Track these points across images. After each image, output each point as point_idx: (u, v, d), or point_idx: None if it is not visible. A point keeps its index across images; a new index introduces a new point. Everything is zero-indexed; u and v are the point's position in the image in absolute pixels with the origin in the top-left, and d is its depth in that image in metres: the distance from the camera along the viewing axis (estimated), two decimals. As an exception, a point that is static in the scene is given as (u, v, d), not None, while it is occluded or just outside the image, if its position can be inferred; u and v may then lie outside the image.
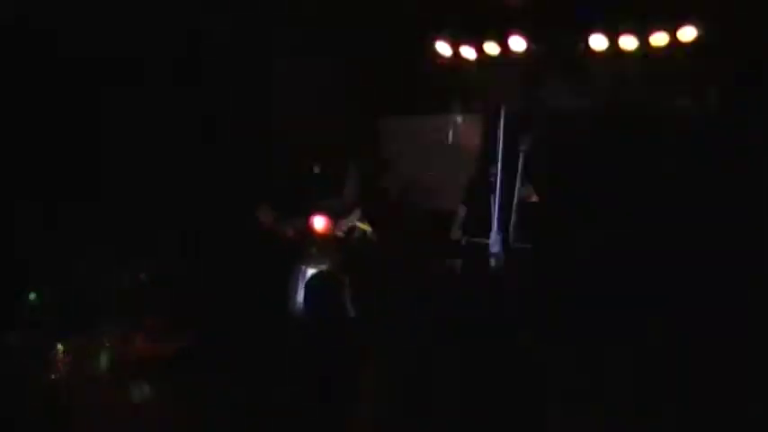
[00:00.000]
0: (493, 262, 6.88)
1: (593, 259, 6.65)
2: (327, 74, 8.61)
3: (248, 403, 5.49)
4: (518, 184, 7.09)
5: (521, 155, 7.14)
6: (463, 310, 6.37)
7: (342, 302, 6.64)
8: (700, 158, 7.20)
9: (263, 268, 6.89)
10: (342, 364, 5.92)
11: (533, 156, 7.16)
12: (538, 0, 8.04)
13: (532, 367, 5.62)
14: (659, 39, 7.76)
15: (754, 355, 5.40)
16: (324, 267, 6.90)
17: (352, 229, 7.25)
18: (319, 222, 7.14)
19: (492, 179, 7.20)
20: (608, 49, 7.98)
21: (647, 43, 7.82)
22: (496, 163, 7.13)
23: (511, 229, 7.06)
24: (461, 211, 7.50)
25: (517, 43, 8.28)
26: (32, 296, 5.85)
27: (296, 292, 6.83)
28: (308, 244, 7.12)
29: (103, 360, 5.88)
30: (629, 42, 7.87)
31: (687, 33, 7.62)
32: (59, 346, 5.72)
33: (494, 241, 6.97)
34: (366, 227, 7.28)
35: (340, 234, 7.22)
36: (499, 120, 7.21)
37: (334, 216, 7.21)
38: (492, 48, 8.45)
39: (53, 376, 5.65)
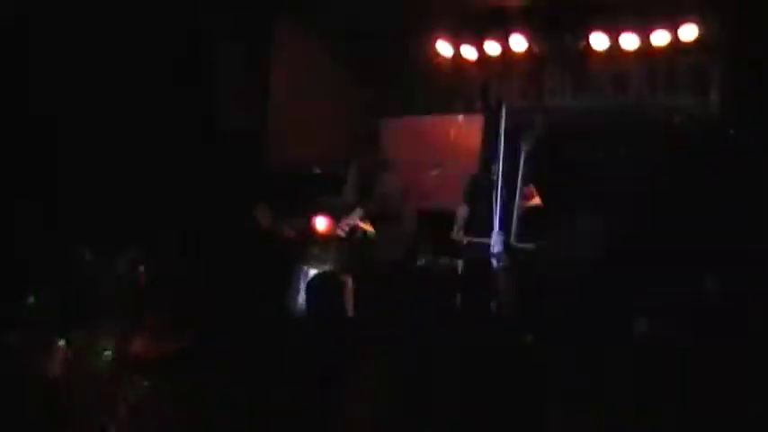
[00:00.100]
0: (494, 262, 6.86)
1: (593, 259, 6.64)
2: (330, 73, 8.62)
3: (248, 403, 5.49)
4: (519, 184, 7.08)
5: (522, 154, 7.13)
6: (464, 310, 6.37)
7: (343, 303, 6.65)
8: (700, 157, 7.19)
9: (263, 268, 6.89)
10: (342, 365, 5.91)
11: (535, 155, 7.15)
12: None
13: (532, 367, 5.61)
14: (660, 37, 7.77)
15: (754, 355, 5.40)
16: (325, 268, 6.90)
17: (354, 229, 7.23)
18: (321, 223, 7.13)
19: (493, 179, 7.18)
20: (609, 47, 7.99)
21: (648, 42, 7.82)
22: (497, 163, 7.12)
23: (513, 229, 7.04)
24: (462, 212, 7.48)
25: (518, 42, 8.30)
26: (31, 298, 5.85)
27: (297, 293, 6.83)
28: (310, 244, 7.11)
29: (103, 360, 5.87)
30: (629, 41, 7.87)
31: (688, 32, 7.62)
32: (59, 346, 5.72)
33: (495, 241, 6.95)
34: (367, 227, 7.27)
35: (341, 234, 7.21)
36: (500, 119, 7.19)
37: (336, 216, 7.20)
38: (493, 47, 8.47)
39: (53, 376, 5.64)
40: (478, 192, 7.39)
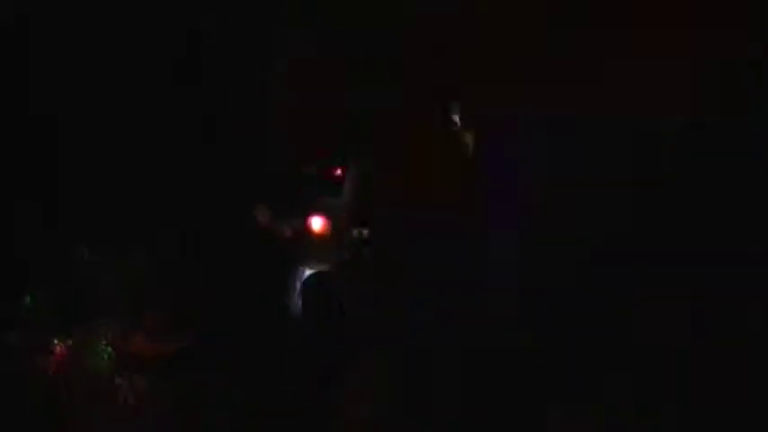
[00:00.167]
0: (493, 261, 6.88)
1: (592, 259, 6.65)
2: (327, 73, 8.61)
3: (248, 403, 5.50)
4: (518, 184, 7.09)
5: (520, 154, 7.14)
6: (462, 309, 6.37)
7: (340, 303, 6.65)
8: (699, 157, 7.20)
9: (261, 268, 6.88)
10: (341, 365, 5.93)
11: (533, 155, 7.16)
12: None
13: (532, 367, 5.63)
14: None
15: (754, 355, 5.42)
16: (321, 267, 6.90)
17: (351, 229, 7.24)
18: (317, 222, 7.13)
19: (491, 179, 7.20)
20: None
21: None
22: (496, 162, 7.13)
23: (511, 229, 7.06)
24: (460, 211, 7.48)
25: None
26: (29, 299, 5.85)
27: (294, 292, 6.84)
28: (306, 244, 7.11)
29: (103, 359, 5.88)
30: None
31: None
32: (59, 346, 5.72)
33: (493, 241, 6.97)
34: (365, 227, 7.28)
35: (338, 234, 7.21)
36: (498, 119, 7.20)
37: (334, 216, 7.20)
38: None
39: (53, 376, 5.64)
40: (477, 191, 7.40)
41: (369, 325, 6.49)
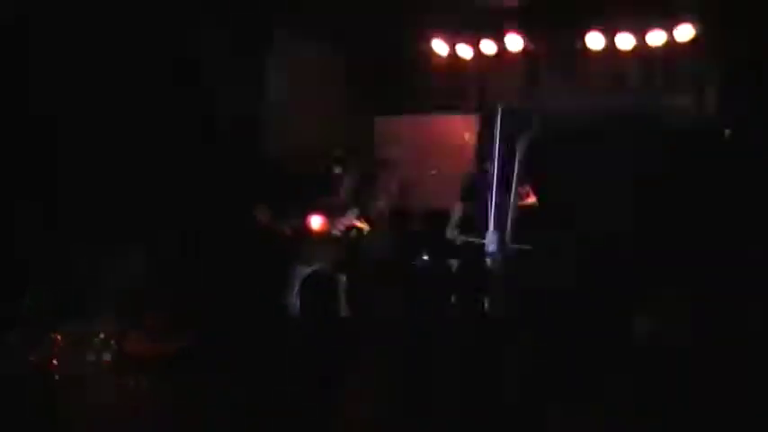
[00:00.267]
0: (489, 261, 6.87)
1: (590, 259, 6.67)
2: (327, 73, 8.62)
3: (248, 403, 5.49)
4: (515, 184, 7.08)
5: (517, 154, 7.13)
6: (461, 309, 6.38)
7: (338, 302, 6.66)
8: (697, 157, 7.23)
9: (260, 267, 6.89)
10: (340, 364, 5.93)
11: (530, 155, 7.15)
12: (534, -1, 8.09)
13: (532, 367, 5.63)
14: (656, 37, 7.79)
15: (754, 355, 5.43)
16: (320, 266, 6.90)
17: (350, 228, 7.23)
18: (316, 221, 7.12)
19: (489, 178, 7.19)
20: (605, 47, 8.01)
21: (645, 42, 7.85)
22: (493, 162, 7.12)
23: (508, 228, 7.05)
24: (457, 210, 7.48)
25: (514, 42, 8.31)
26: (30, 299, 5.84)
27: (292, 292, 6.84)
28: (305, 243, 7.11)
29: (103, 359, 5.88)
30: (626, 41, 7.90)
31: (684, 32, 7.65)
32: (59, 346, 5.72)
33: (490, 241, 6.95)
34: (363, 226, 7.28)
35: (337, 233, 7.20)
36: (496, 118, 7.19)
37: (332, 215, 7.20)
38: (488, 46, 8.48)
39: (53, 376, 5.64)
40: (474, 191, 7.40)
41: (369, 325, 6.50)
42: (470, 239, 7.16)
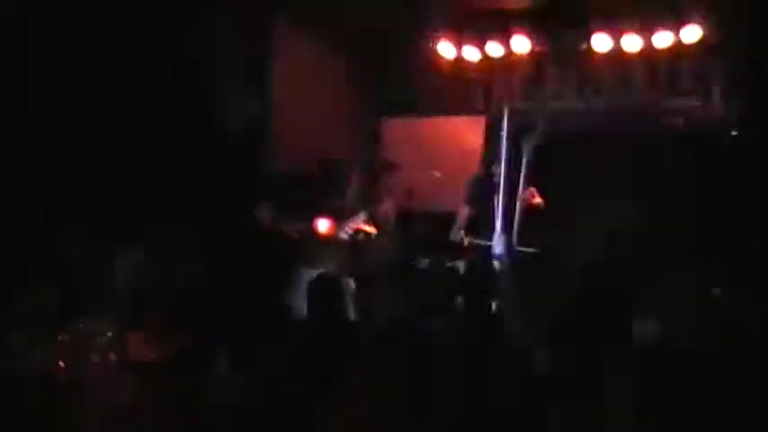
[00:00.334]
0: (496, 263, 6.86)
1: (595, 260, 6.63)
2: (332, 74, 8.62)
3: (248, 403, 5.48)
4: (521, 186, 7.08)
5: (524, 156, 7.13)
6: (464, 310, 6.35)
7: (344, 305, 6.64)
8: (703, 159, 7.19)
9: (265, 269, 6.88)
10: (345, 367, 5.91)
11: (537, 156, 7.15)
12: (540, 1, 8.06)
13: (532, 367, 5.59)
14: (663, 39, 7.76)
15: (754, 355, 5.37)
16: (327, 270, 6.89)
17: (356, 231, 7.23)
18: (323, 224, 7.12)
19: (495, 180, 7.19)
20: (611, 49, 7.98)
21: (651, 44, 7.82)
22: (499, 164, 7.12)
23: (514, 230, 7.05)
24: (463, 212, 7.48)
25: (520, 44, 8.30)
26: (31, 298, 5.85)
27: (298, 295, 6.83)
28: (312, 246, 7.11)
29: (103, 360, 5.87)
30: (632, 43, 7.86)
31: (691, 33, 7.61)
32: (59, 346, 5.72)
33: (497, 243, 6.95)
34: (370, 229, 7.27)
35: (344, 236, 7.20)
36: (502, 121, 7.19)
37: (339, 218, 7.20)
38: (495, 48, 8.47)
39: (53, 376, 5.64)
40: (481, 193, 7.40)
41: (375, 327, 6.49)
42: (477, 241, 7.16)
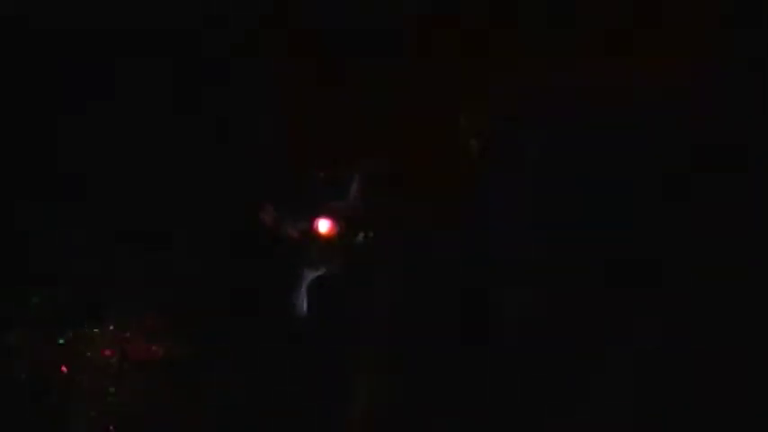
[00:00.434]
0: (493, 263, 6.87)
1: (594, 260, 6.63)
2: (335, 74, 8.61)
3: (248, 403, 5.50)
4: (519, 186, 7.08)
5: (526, 154, 7.13)
6: (463, 310, 6.36)
7: (345, 306, 6.65)
8: (698, 157, 7.17)
9: (265, 269, 6.89)
10: (342, 366, 5.92)
11: (538, 154, 7.15)
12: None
13: (531, 367, 5.61)
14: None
15: (754, 356, 5.39)
16: (328, 270, 6.90)
17: (357, 231, 7.23)
18: (324, 225, 7.12)
19: (495, 179, 7.19)
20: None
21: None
22: (498, 164, 7.12)
23: (515, 230, 7.05)
24: (463, 213, 7.48)
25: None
26: (32, 298, 5.87)
27: (298, 296, 6.83)
28: (312, 247, 7.10)
29: (103, 359, 5.89)
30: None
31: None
32: (59, 346, 5.74)
33: (495, 242, 6.96)
34: (371, 230, 7.27)
35: (345, 237, 7.20)
36: (500, 120, 7.19)
37: (340, 219, 7.20)
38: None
39: (53, 376, 5.66)
40: (480, 193, 7.39)
41: (375, 327, 6.50)
42: (477, 241, 7.16)
